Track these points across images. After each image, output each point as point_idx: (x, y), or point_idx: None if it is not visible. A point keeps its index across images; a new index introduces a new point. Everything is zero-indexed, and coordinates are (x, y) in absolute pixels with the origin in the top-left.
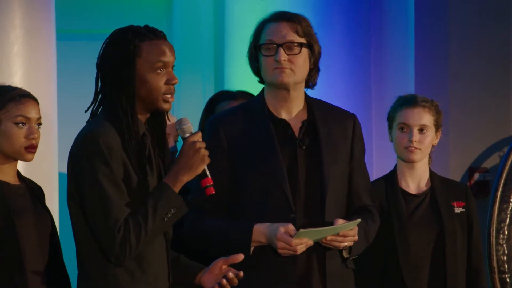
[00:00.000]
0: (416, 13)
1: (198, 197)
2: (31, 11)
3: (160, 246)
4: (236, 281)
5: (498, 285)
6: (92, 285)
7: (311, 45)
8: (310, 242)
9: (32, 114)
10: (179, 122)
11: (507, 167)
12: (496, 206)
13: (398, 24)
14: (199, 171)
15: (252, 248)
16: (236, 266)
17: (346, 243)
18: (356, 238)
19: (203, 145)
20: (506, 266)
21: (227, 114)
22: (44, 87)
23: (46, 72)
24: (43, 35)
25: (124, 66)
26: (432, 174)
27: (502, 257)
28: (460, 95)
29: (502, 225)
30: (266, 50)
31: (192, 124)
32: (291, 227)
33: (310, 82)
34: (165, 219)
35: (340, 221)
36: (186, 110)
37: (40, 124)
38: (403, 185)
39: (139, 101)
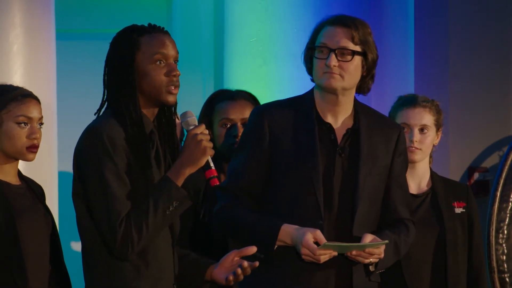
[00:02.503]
0: (416, 13)
1: (232, 183)
2: (31, 11)
3: (165, 241)
4: (249, 270)
5: (497, 284)
6: (98, 281)
7: (365, 53)
8: (335, 253)
9: (34, 114)
10: (184, 115)
11: (506, 167)
12: (496, 206)
13: (398, 24)
14: (202, 163)
15: (275, 247)
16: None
17: (370, 260)
18: (382, 256)
19: (206, 137)
20: (505, 265)
21: (274, 106)
22: (44, 86)
23: (46, 72)
24: (43, 35)
25: (123, 61)
26: (432, 174)
27: (501, 256)
28: (460, 95)
29: (501, 224)
30: (319, 53)
31: (195, 117)
32: (319, 234)
33: (362, 89)
34: (167, 213)
35: (369, 237)
36: (185, 110)
37: (41, 124)
38: None
39: (143, 96)
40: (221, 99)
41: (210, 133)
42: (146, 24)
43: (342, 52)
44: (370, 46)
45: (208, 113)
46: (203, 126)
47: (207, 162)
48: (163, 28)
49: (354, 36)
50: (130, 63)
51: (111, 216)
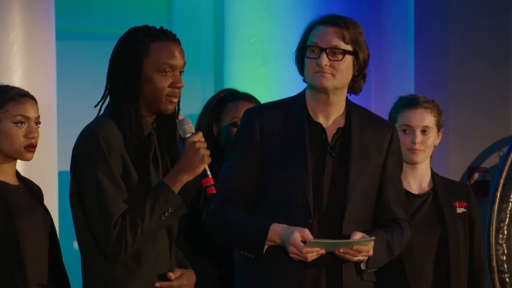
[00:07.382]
0: (416, 13)
1: (224, 185)
2: (31, 11)
3: (162, 242)
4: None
5: (497, 284)
6: (93, 281)
7: (356, 53)
8: (322, 251)
9: (31, 113)
10: (180, 122)
11: (506, 167)
12: (496, 206)
13: (398, 24)
14: (199, 171)
15: (266, 247)
16: (248, 263)
17: (359, 257)
18: (371, 253)
19: (204, 145)
20: (505, 266)
21: (265, 108)
22: (44, 86)
23: (46, 72)
24: (42, 35)
25: (131, 63)
26: (433, 174)
27: (501, 256)
28: (460, 95)
29: (501, 224)
30: (310, 52)
31: (192, 124)
32: (307, 232)
33: (354, 89)
34: (162, 218)
35: (358, 235)
36: (185, 110)
37: (39, 123)
38: (405, 185)
39: (143, 100)
40: (233, 98)
41: (216, 129)
42: (147, 24)
43: (333, 52)
44: (361, 46)
45: (217, 111)
46: (201, 134)
47: (204, 170)
48: (174, 35)
49: (345, 36)
50: (138, 67)
51: (104, 216)
